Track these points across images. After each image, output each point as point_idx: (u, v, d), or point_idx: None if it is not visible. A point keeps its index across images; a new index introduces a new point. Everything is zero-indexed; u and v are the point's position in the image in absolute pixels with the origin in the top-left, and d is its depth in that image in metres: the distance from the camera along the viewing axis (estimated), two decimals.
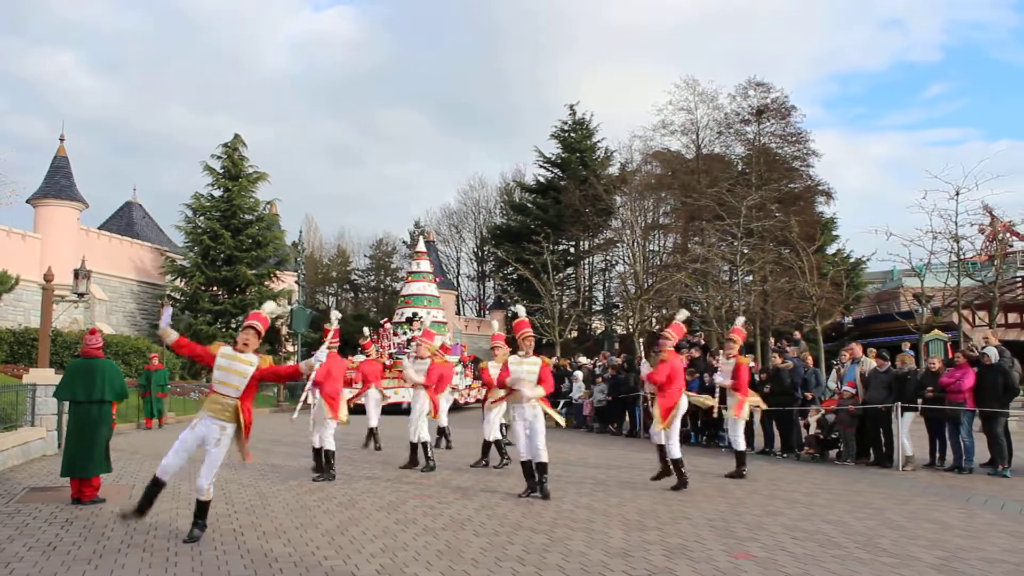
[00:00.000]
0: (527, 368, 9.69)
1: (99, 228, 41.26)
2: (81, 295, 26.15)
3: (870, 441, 13.58)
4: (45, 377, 14.83)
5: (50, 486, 10.26)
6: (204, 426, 7.14)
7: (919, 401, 12.65)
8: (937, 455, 13.02)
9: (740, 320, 13.61)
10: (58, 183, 36.01)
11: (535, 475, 9.55)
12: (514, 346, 10.46)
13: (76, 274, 25.74)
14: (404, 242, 68.55)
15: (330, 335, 9.75)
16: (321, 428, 11.30)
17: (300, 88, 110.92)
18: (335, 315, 10.19)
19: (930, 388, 12.66)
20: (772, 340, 29.06)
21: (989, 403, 12.20)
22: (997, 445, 12.16)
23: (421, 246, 40.20)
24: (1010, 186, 73.14)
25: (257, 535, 7.33)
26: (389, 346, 32.57)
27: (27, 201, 35.81)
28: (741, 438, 11.86)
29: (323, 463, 11.25)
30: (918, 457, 13.04)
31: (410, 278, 38.71)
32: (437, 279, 40.59)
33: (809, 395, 14.58)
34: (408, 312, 35.39)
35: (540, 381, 9.66)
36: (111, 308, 38.58)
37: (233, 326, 39.37)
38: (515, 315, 10.29)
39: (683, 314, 11.18)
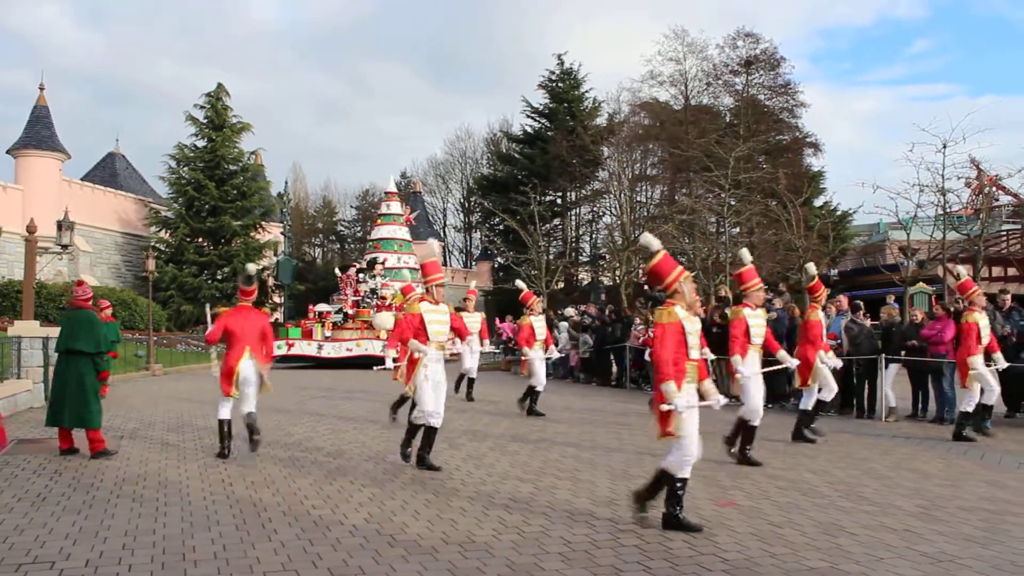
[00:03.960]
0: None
1: (81, 179, 40.80)
2: (65, 247, 25.96)
3: (854, 392, 13.72)
4: (30, 329, 14.77)
5: (38, 438, 10.28)
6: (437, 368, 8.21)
7: (902, 353, 12.77)
8: (919, 406, 13.18)
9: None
10: (39, 133, 35.53)
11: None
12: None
13: (59, 225, 25.52)
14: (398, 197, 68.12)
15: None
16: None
17: (287, 40, 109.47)
18: (252, 268, 10.37)
19: (913, 340, 12.78)
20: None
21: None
22: None
23: (392, 186, 38.27)
24: (996, 140, 73.30)
25: (246, 485, 7.37)
26: (355, 293, 30.92)
27: (7, 152, 35.37)
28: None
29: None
30: (901, 408, 13.20)
31: (379, 221, 36.75)
32: (409, 219, 38.68)
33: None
34: (380, 257, 33.57)
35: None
36: (95, 260, 38.33)
37: (219, 277, 39.21)
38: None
39: (747, 256, 9.14)
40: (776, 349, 9.34)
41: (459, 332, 9.10)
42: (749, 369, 8.72)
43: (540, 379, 13.33)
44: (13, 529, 5.80)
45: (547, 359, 13.97)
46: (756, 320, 8.93)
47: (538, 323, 13.77)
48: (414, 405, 8.71)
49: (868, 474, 8.20)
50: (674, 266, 6.12)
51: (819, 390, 10.34)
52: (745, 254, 9.08)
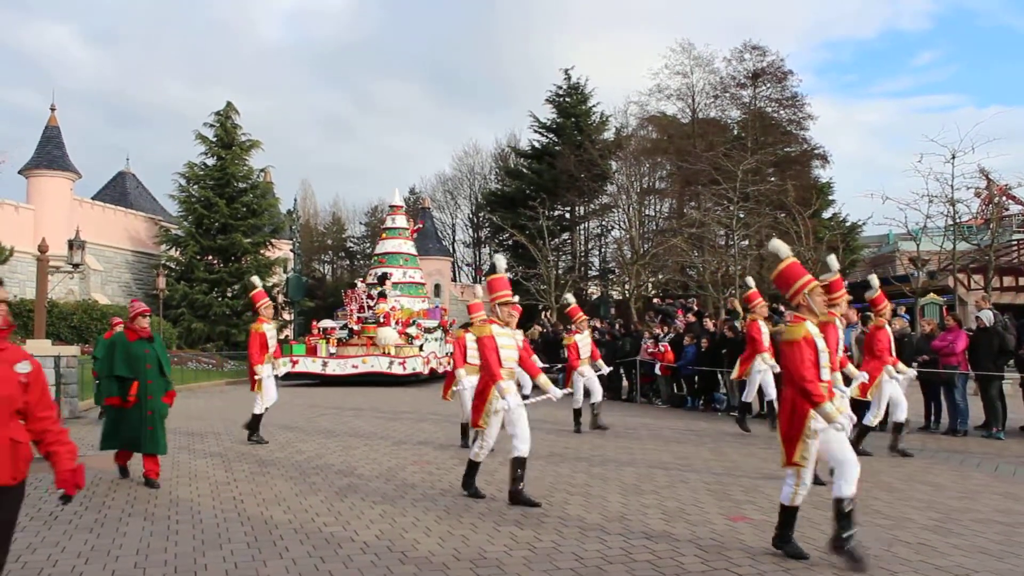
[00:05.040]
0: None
1: (92, 198, 41.04)
2: (76, 266, 26.12)
3: (864, 404, 13.63)
4: (42, 348, 14.84)
5: None
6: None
7: (914, 364, 12.70)
8: (932, 418, 13.10)
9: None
10: (50, 153, 35.77)
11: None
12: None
13: (70, 245, 25.71)
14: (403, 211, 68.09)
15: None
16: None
17: (294, 59, 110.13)
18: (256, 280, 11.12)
19: (924, 356, 12.72)
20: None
21: (984, 366, 12.26)
22: (992, 408, 12.23)
23: (397, 199, 37.01)
24: (1005, 149, 73.17)
25: (257, 502, 7.37)
26: (360, 309, 30.03)
27: (19, 172, 35.61)
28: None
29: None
30: (913, 420, 13.11)
31: (384, 235, 35.49)
32: (414, 230, 37.99)
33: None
34: (381, 271, 32.49)
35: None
36: (106, 278, 38.49)
37: (229, 295, 39.31)
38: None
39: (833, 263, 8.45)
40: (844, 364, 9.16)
41: (523, 360, 7.91)
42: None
43: (579, 397, 13.29)
44: (26, 548, 5.81)
45: (599, 374, 13.74)
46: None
47: (582, 340, 13.52)
48: (474, 438, 8.33)
49: (880, 487, 8.14)
50: (801, 274, 5.70)
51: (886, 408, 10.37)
52: (832, 261, 8.41)
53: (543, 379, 7.79)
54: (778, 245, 5.81)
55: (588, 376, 13.43)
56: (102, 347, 13.93)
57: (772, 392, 12.16)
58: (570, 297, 15.27)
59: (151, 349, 8.44)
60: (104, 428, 8.74)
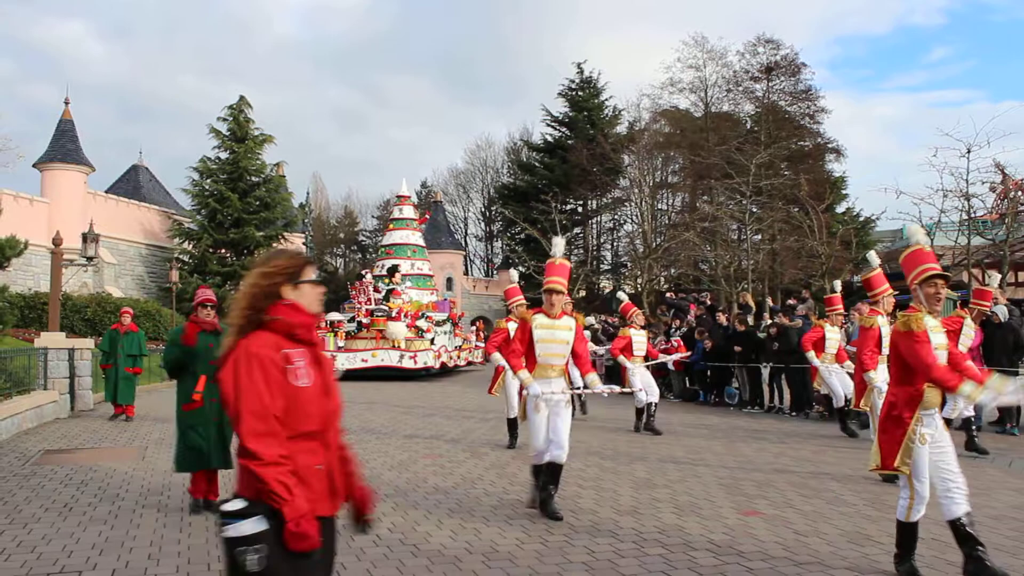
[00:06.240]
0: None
1: (106, 192, 41.20)
2: (90, 259, 26.15)
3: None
4: (56, 341, 14.92)
5: (65, 448, 10.37)
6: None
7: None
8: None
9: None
10: (64, 147, 35.95)
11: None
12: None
13: (84, 238, 25.73)
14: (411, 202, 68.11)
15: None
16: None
17: (307, 54, 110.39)
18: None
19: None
20: (773, 299, 29.06)
21: (999, 361, 12.17)
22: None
23: (404, 189, 35.99)
24: (1021, 144, 72.38)
25: None
26: (368, 302, 29.43)
27: (33, 165, 35.80)
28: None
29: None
30: None
31: (392, 226, 34.81)
32: (422, 220, 36.63)
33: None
34: (388, 264, 31.99)
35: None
36: (120, 272, 38.66)
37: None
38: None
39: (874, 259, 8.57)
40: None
41: (577, 356, 7.00)
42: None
43: (641, 394, 12.07)
44: (41, 539, 5.85)
45: (658, 362, 13.04)
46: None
47: (637, 336, 12.57)
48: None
49: (894, 482, 8.10)
50: (918, 263, 5.12)
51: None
52: (873, 257, 8.23)
53: (592, 377, 6.91)
54: (913, 229, 5.39)
55: (644, 375, 12.50)
56: (108, 339, 14.09)
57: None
58: (622, 295, 14.86)
59: (216, 343, 6.42)
60: (176, 445, 6.96)
